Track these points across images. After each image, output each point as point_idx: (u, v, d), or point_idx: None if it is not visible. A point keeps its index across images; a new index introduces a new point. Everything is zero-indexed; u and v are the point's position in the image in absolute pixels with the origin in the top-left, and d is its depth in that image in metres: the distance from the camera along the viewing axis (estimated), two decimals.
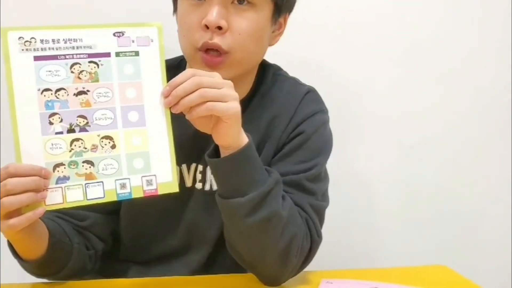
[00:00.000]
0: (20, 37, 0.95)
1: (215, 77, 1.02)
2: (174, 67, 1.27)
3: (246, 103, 1.25)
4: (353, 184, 1.95)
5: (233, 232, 1.15)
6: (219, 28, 1.10)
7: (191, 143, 1.20)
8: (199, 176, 1.27)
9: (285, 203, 1.13)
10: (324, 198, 1.28)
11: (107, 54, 0.99)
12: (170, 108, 1.00)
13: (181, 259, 1.32)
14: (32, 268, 1.14)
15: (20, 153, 0.95)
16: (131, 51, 1.00)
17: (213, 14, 1.09)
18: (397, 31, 1.85)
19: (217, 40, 1.11)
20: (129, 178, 1.00)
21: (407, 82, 1.90)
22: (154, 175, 1.01)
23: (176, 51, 1.26)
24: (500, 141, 2.00)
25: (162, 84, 1.01)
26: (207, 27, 1.10)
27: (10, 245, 1.10)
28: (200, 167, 1.26)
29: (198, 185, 1.27)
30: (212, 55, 1.13)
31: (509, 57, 1.92)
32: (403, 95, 1.91)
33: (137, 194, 1.00)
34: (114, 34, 0.99)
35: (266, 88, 1.29)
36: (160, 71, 1.01)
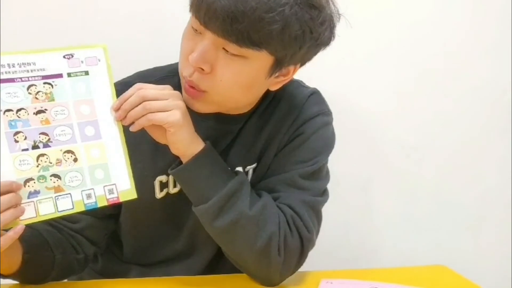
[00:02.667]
0: None
1: (164, 89, 1.08)
2: (176, 72, 1.22)
3: (252, 111, 1.28)
4: (353, 184, 1.96)
5: (212, 236, 1.20)
6: (201, 68, 1.09)
7: None
8: None
9: (257, 203, 1.16)
10: (318, 193, 1.27)
11: (60, 75, 1.07)
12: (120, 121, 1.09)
13: (183, 263, 1.35)
14: (12, 278, 1.14)
15: None
16: (81, 71, 1.09)
17: (196, 55, 1.07)
18: (397, 31, 1.86)
19: (195, 78, 1.11)
20: (93, 188, 1.07)
21: (407, 82, 1.91)
22: (114, 184, 1.09)
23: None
24: (500, 141, 2.01)
25: (112, 99, 1.10)
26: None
27: None
28: None
29: None
30: (192, 87, 1.13)
31: (509, 57, 1.93)
32: (403, 95, 1.92)
33: (102, 203, 1.08)
34: (64, 57, 1.08)
35: (270, 93, 1.28)
36: (109, 88, 1.11)
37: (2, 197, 0.95)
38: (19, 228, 0.98)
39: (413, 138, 1.96)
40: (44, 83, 1.05)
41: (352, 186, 1.94)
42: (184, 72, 1.12)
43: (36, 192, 1.02)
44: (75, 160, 1.06)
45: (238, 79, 1.11)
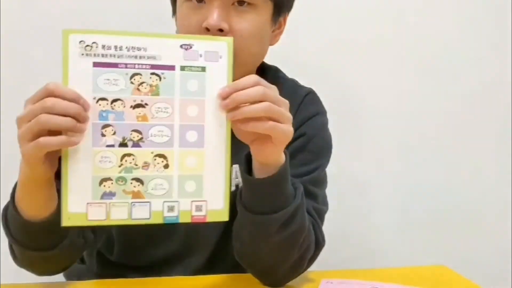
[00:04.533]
0: (81, 41, 0.86)
1: (276, 92, 0.96)
2: None
3: None
4: (353, 184, 1.95)
5: (254, 245, 1.12)
6: (221, 30, 1.08)
7: None
8: None
9: (305, 214, 1.12)
10: (324, 202, 1.28)
11: (172, 67, 0.91)
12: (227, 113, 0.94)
13: (180, 263, 1.31)
14: (27, 236, 1.05)
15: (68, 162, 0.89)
16: (198, 66, 0.92)
17: (214, 17, 1.07)
18: (397, 31, 1.86)
19: None
20: (178, 201, 0.94)
21: (406, 82, 1.91)
22: (205, 200, 0.95)
23: None
24: (500, 141, 2.01)
25: None
26: (208, 29, 1.08)
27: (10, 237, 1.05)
28: None
29: None
30: None
31: (509, 57, 1.93)
32: (402, 95, 1.92)
33: (185, 219, 0.95)
34: (181, 46, 0.91)
35: None
36: None
37: (62, 101, 0.84)
38: (74, 138, 0.87)
39: (413, 138, 1.96)
40: (152, 73, 0.90)
41: (352, 186, 1.94)
42: None
43: (112, 194, 0.91)
44: (166, 166, 0.93)
45: (254, 30, 1.13)
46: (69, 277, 1.33)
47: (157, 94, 0.91)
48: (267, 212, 1.05)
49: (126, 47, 0.88)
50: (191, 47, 0.91)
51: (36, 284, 1.17)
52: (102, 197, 0.90)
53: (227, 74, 0.94)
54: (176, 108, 0.92)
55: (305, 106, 1.28)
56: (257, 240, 1.11)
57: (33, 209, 1.01)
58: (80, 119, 0.87)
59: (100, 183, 0.90)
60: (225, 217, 0.97)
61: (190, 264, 1.31)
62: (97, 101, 0.88)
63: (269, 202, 1.05)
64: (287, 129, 0.96)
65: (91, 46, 0.87)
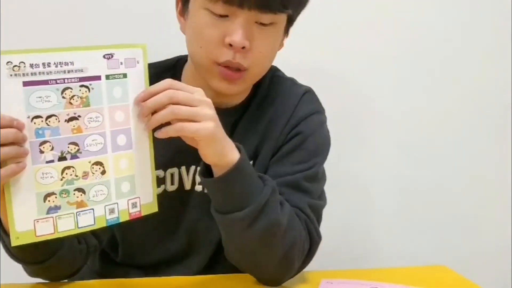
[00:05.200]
0: (8, 62, 0.86)
1: (194, 92, 0.99)
2: (171, 68, 1.25)
3: (245, 106, 1.27)
4: (353, 184, 1.95)
5: (231, 244, 1.16)
6: (243, 47, 1.10)
7: (189, 146, 1.17)
8: (199, 179, 1.24)
9: (284, 210, 1.13)
10: (322, 197, 1.28)
11: (98, 77, 0.95)
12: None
13: (182, 263, 1.31)
14: (21, 252, 1.07)
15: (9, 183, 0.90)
16: (120, 74, 0.97)
17: (240, 35, 1.09)
18: (397, 32, 1.85)
19: (239, 59, 1.11)
20: (117, 203, 0.99)
21: (406, 83, 1.90)
22: (138, 197, 1.02)
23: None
24: (500, 141, 2.01)
25: None
26: (230, 45, 1.10)
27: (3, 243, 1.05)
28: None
29: (198, 188, 1.25)
30: (232, 71, 1.13)
31: (509, 57, 1.93)
32: (402, 96, 1.91)
33: (124, 218, 1.00)
34: (104, 56, 0.95)
35: (264, 90, 1.30)
36: None
37: (2, 130, 0.85)
38: (23, 164, 0.89)
39: (413, 138, 1.96)
40: (81, 86, 0.93)
41: (352, 186, 1.94)
42: (222, 57, 1.11)
43: (57, 208, 0.93)
44: (103, 172, 0.97)
45: (272, 47, 1.17)
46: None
47: (88, 105, 0.94)
48: (231, 211, 1.07)
49: (54, 63, 0.90)
50: (112, 56, 0.95)
51: (36, 284, 1.18)
52: (48, 212, 0.93)
53: (144, 78, 0.99)
54: (106, 116, 0.96)
55: (302, 105, 1.30)
56: (231, 239, 1.14)
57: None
58: (20, 141, 0.88)
59: (45, 199, 0.92)
60: (155, 209, 1.04)
61: (193, 263, 1.31)
62: (32, 120, 0.89)
63: (231, 201, 1.08)
64: (201, 127, 0.98)
65: (19, 66, 0.87)
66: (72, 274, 1.23)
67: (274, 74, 1.33)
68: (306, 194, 1.23)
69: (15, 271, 1.17)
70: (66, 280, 1.23)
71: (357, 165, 1.94)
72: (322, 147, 1.30)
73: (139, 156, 1.00)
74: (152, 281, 1.23)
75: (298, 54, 1.76)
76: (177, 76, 1.26)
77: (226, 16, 1.09)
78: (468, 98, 1.95)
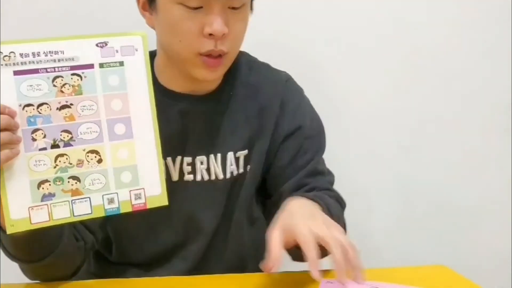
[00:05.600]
0: None
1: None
2: None
3: (220, 92, 1.28)
4: (352, 184, 1.87)
5: None
6: (223, 35, 1.11)
7: (175, 136, 1.19)
8: (187, 168, 1.25)
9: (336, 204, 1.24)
10: (329, 172, 1.36)
11: (91, 66, 0.95)
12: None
13: (178, 254, 1.31)
14: (19, 250, 1.07)
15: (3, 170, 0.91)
16: (115, 62, 0.96)
17: (220, 24, 1.10)
18: (395, 32, 1.83)
19: (220, 46, 1.12)
20: (117, 193, 0.98)
21: (406, 82, 1.88)
22: (143, 188, 0.99)
23: None
24: (500, 141, 1.97)
25: (149, 94, 0.99)
26: (210, 35, 1.11)
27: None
28: (188, 159, 1.24)
29: (188, 177, 1.25)
30: (214, 58, 1.14)
31: (509, 57, 1.89)
32: (402, 95, 1.89)
33: (126, 209, 0.98)
34: (97, 45, 0.95)
35: (244, 76, 1.31)
36: (146, 81, 0.99)
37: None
38: (16, 150, 0.90)
39: (412, 138, 1.93)
40: (73, 74, 0.94)
41: (352, 187, 1.82)
42: (204, 48, 1.12)
43: (51, 195, 0.94)
44: (99, 161, 0.96)
45: (245, 27, 1.18)
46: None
47: (80, 93, 0.94)
48: None
49: (44, 52, 0.92)
50: (106, 44, 0.95)
51: (36, 284, 1.17)
52: (42, 199, 0.93)
53: (145, 66, 0.98)
54: (101, 104, 0.96)
55: (291, 96, 1.33)
56: None
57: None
58: (12, 128, 0.90)
59: (38, 186, 0.93)
60: (164, 202, 1.01)
61: (190, 253, 1.32)
62: (23, 108, 0.91)
63: None
64: None
65: (9, 56, 0.90)
66: (72, 274, 1.23)
67: (249, 59, 1.35)
68: (323, 175, 1.31)
69: (15, 271, 1.18)
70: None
71: (357, 165, 1.93)
72: (319, 128, 1.35)
73: (142, 146, 0.99)
74: (151, 281, 1.22)
75: (298, 53, 1.79)
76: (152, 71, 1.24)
77: (201, 7, 1.10)
78: (469, 98, 1.91)
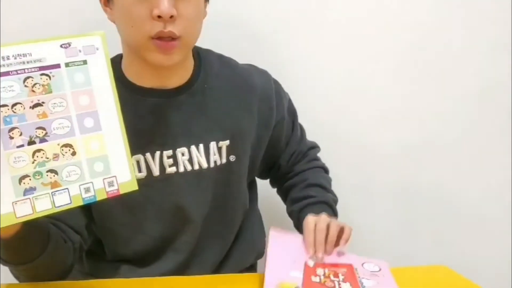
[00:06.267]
0: None
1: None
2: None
3: (190, 85, 1.32)
4: (352, 184, 1.96)
5: None
6: (171, 16, 1.14)
7: (151, 132, 1.24)
8: (169, 161, 1.30)
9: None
10: (302, 128, 1.60)
11: (57, 66, 1.02)
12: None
13: (170, 246, 1.35)
14: (7, 250, 1.10)
15: None
16: (79, 61, 1.04)
17: (165, 4, 1.13)
18: (396, 31, 1.86)
19: (170, 28, 1.16)
20: (92, 182, 1.05)
21: (407, 82, 1.90)
22: (115, 176, 1.07)
23: None
24: (500, 141, 1.99)
25: (112, 88, 1.06)
26: (159, 17, 1.14)
27: None
28: (168, 152, 1.29)
29: (171, 170, 1.30)
30: (166, 41, 1.17)
31: (509, 57, 1.92)
32: (403, 95, 1.91)
33: (101, 196, 1.05)
34: (61, 46, 1.03)
35: (217, 69, 1.36)
36: (108, 77, 1.06)
37: None
38: None
39: (413, 138, 1.96)
40: (41, 74, 1.01)
41: (352, 186, 1.95)
42: (154, 30, 1.16)
43: (32, 189, 1.00)
44: (73, 153, 1.03)
45: (197, 13, 1.21)
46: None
47: (50, 92, 1.01)
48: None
49: (13, 55, 0.98)
50: (70, 45, 1.03)
51: (36, 284, 1.21)
52: (24, 194, 0.99)
53: (106, 62, 1.06)
54: (70, 101, 1.03)
55: (270, 85, 1.44)
56: None
57: None
58: None
59: (20, 181, 0.99)
60: (134, 187, 1.09)
61: (182, 245, 1.36)
62: None
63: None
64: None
65: None
66: (65, 274, 1.27)
67: (218, 55, 1.42)
68: (303, 138, 1.57)
69: None
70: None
71: (357, 164, 1.96)
72: (292, 103, 1.53)
73: (110, 137, 1.07)
74: (150, 281, 1.26)
75: (298, 54, 1.82)
76: (118, 69, 1.31)
77: None
78: (469, 98, 1.94)
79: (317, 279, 1.20)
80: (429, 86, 1.91)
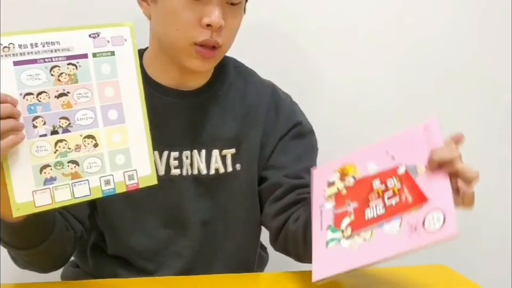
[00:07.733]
0: None
1: None
2: None
3: (207, 89, 1.32)
4: None
5: None
6: (219, 27, 1.16)
7: (161, 131, 1.22)
8: (174, 163, 1.29)
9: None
10: None
11: (85, 56, 1.01)
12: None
13: (171, 249, 1.33)
14: (16, 236, 1.10)
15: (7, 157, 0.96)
16: (107, 51, 1.02)
17: (217, 15, 1.15)
18: (396, 33, 1.84)
19: (216, 37, 1.18)
20: (112, 175, 1.04)
21: (407, 82, 1.89)
22: (135, 169, 1.06)
23: None
24: (500, 141, 1.97)
25: (138, 81, 1.05)
26: (208, 25, 1.16)
27: None
28: (175, 154, 1.29)
29: (175, 172, 1.30)
30: (208, 49, 1.19)
31: (509, 57, 1.90)
32: (403, 95, 1.90)
33: (120, 189, 1.05)
34: (90, 36, 1.01)
35: (232, 79, 1.36)
36: (134, 69, 1.05)
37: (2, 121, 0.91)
38: (21, 135, 0.95)
39: None
40: (68, 64, 0.99)
41: None
42: (200, 37, 1.17)
43: (52, 179, 0.99)
44: (95, 145, 1.02)
45: (239, 24, 1.25)
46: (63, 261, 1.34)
47: (76, 82, 1.00)
48: None
49: (41, 43, 0.97)
50: (98, 35, 1.02)
51: (36, 284, 1.20)
52: (44, 183, 0.99)
53: (134, 55, 1.05)
54: (95, 92, 1.02)
55: (282, 102, 1.40)
56: None
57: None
58: (15, 116, 0.94)
59: (41, 171, 0.98)
60: (154, 181, 1.08)
61: (183, 249, 1.33)
62: (24, 97, 0.96)
63: None
64: None
65: (9, 47, 0.94)
66: (62, 264, 1.29)
67: (237, 65, 1.40)
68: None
69: (15, 271, 1.21)
70: (63, 281, 1.28)
71: None
72: (311, 128, 1.42)
73: (133, 130, 1.05)
74: (149, 281, 1.25)
75: (299, 54, 1.80)
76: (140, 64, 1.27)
77: None
78: (469, 98, 1.93)
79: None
80: (429, 86, 1.90)
